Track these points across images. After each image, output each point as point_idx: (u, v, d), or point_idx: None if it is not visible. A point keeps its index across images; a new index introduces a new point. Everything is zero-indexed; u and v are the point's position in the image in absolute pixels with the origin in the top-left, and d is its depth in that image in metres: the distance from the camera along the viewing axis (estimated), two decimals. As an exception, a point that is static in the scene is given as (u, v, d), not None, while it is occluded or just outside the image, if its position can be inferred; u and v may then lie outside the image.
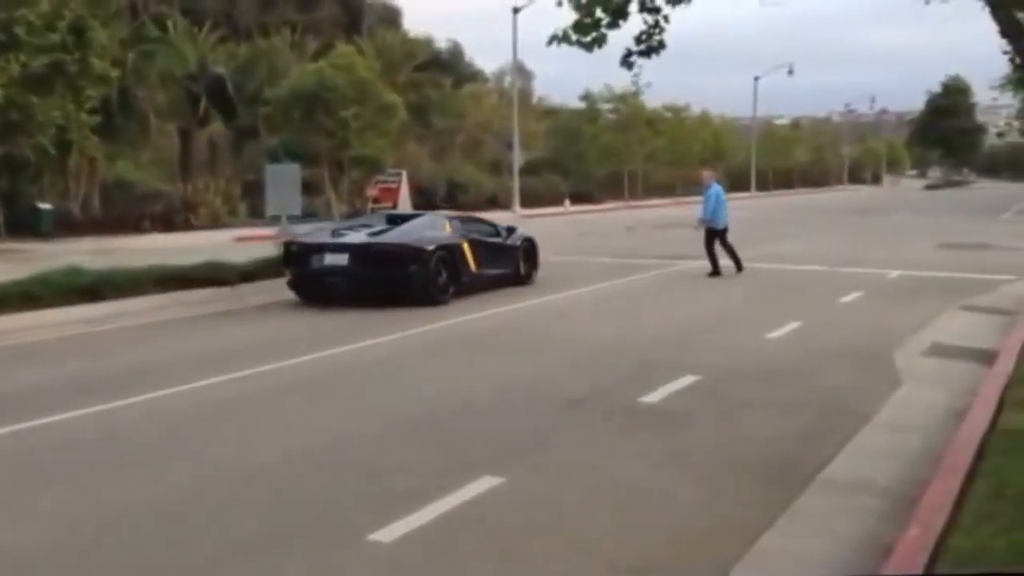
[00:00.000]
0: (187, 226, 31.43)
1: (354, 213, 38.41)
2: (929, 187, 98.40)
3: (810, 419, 7.79)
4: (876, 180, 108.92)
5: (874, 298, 14.93)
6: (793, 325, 12.21)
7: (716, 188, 18.66)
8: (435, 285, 14.37)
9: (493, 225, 17.26)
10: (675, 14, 6.76)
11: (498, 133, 52.16)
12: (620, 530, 5.49)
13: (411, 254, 14.29)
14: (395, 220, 16.25)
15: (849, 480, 6.33)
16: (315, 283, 14.64)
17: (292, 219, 17.82)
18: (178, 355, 10.65)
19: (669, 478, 6.36)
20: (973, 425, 7.03)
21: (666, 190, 64.46)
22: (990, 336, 11.18)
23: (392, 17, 57.51)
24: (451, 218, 16.76)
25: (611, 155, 57.00)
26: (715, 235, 18.14)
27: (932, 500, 5.52)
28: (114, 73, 27.15)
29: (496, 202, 47.96)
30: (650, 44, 6.71)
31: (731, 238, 18.48)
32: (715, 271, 17.79)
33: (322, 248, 14.67)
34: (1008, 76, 40.56)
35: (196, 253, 16.89)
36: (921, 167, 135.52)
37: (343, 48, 37.31)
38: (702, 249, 18.24)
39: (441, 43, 60.54)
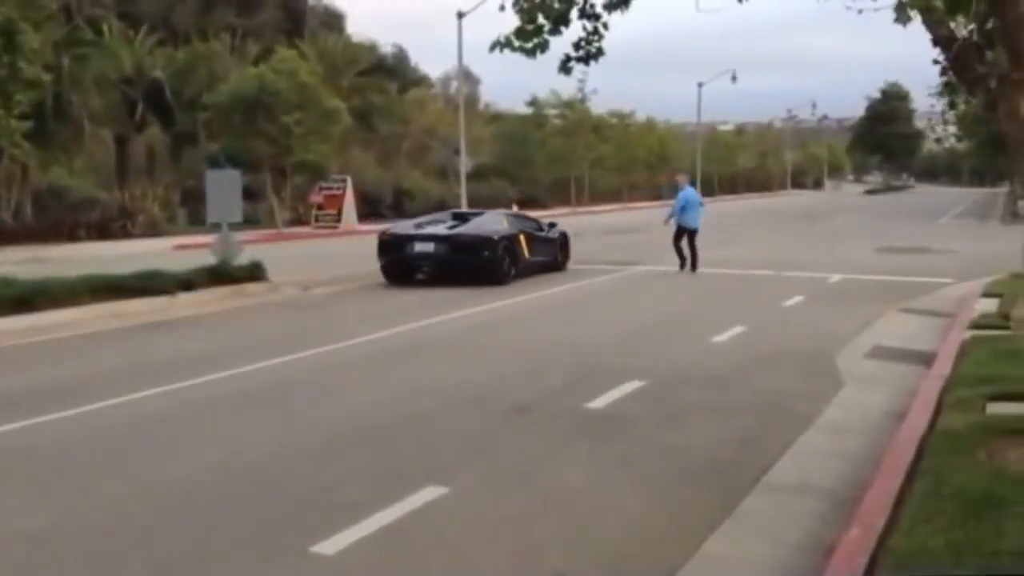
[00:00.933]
0: (124, 234, 30.92)
1: (297, 220, 38.16)
2: (869, 192, 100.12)
3: (754, 422, 7.84)
4: (817, 185, 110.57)
5: (816, 302, 15.11)
6: (738, 329, 12.31)
7: (687, 191, 20.11)
8: (502, 268, 17.66)
9: (537, 221, 20.57)
10: (618, 21, 6.79)
11: (444, 139, 52.07)
12: (566, 537, 5.47)
13: (484, 243, 17.69)
14: (463, 217, 19.71)
15: (792, 482, 6.37)
16: (407, 267, 17.97)
17: (233, 226, 17.58)
18: (111, 368, 10.41)
19: (614, 484, 6.36)
20: (912, 426, 7.12)
21: (613, 195, 64.84)
22: (929, 338, 11.36)
23: (335, 21, 57.13)
24: (507, 215, 20.35)
25: (558, 160, 57.19)
26: (684, 233, 19.61)
27: (872, 501, 5.57)
28: (46, 78, 26.57)
29: (443, 208, 47.83)
30: (588, 51, 6.72)
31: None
32: (683, 265, 19.39)
33: (412, 239, 18.06)
34: (943, 82, 41.35)
35: (133, 262, 16.62)
36: (859, 172, 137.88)
37: (285, 52, 36.98)
38: (648, 254, 18.77)
39: (386, 48, 60.32)
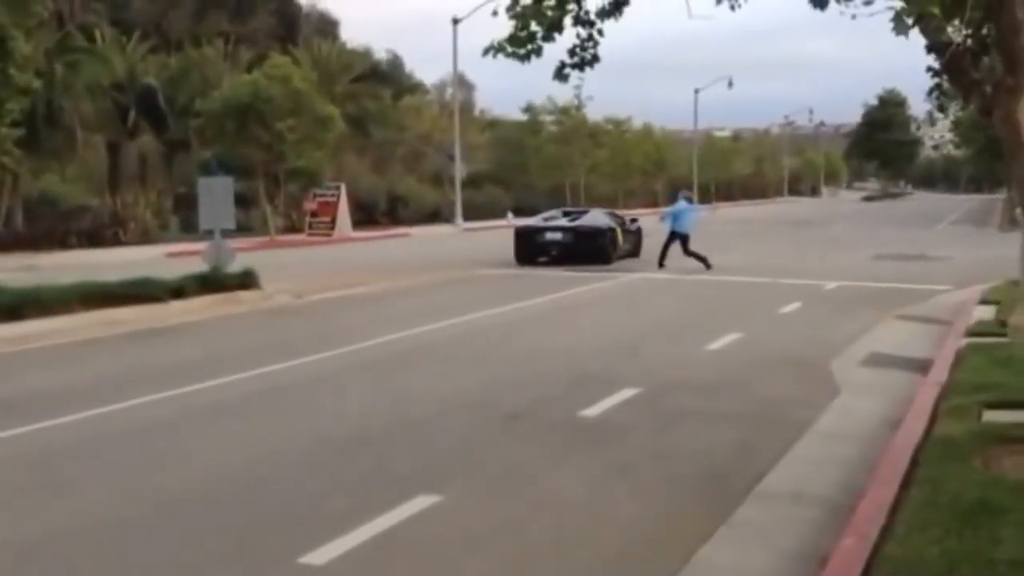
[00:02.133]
0: (116, 241, 30.84)
1: (291, 227, 38.09)
2: (867, 199, 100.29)
3: (749, 430, 7.79)
4: (814, 192, 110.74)
5: (813, 309, 15.08)
6: (733, 336, 12.26)
7: (680, 204, 23.07)
8: (608, 252, 23.02)
9: (623, 218, 25.71)
10: (613, 28, 6.75)
11: (439, 145, 52.09)
12: (559, 546, 5.42)
13: (598, 232, 23.44)
14: (570, 214, 25.63)
15: (787, 490, 6.33)
16: (540, 250, 23.56)
17: (225, 233, 17.53)
18: (101, 376, 10.34)
19: (608, 492, 6.31)
20: (908, 434, 7.07)
21: (609, 202, 64.79)
22: (925, 345, 11.33)
23: (329, 28, 57.13)
24: (605, 212, 26.61)
25: (554, 167, 57.17)
26: (676, 237, 22.24)
27: (867, 510, 5.52)
28: (38, 84, 26.46)
29: (438, 215, 47.82)
30: (583, 57, 6.68)
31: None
32: (705, 264, 21.44)
33: (543, 230, 24.11)
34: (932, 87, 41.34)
35: (125, 269, 16.55)
36: (856, 179, 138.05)
37: (278, 59, 36.89)
38: (643, 261, 20.42)
39: (380, 54, 60.37)
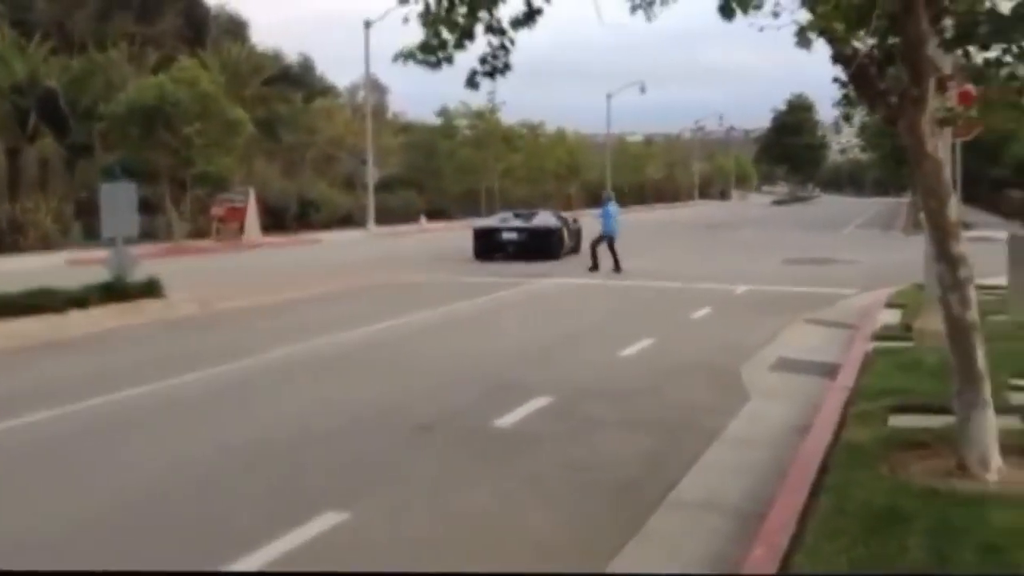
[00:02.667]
0: (15, 248, 29.74)
1: (198, 233, 37.30)
2: (776, 202, 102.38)
3: (661, 438, 7.79)
4: (724, 196, 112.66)
5: (723, 313, 15.25)
6: (646, 342, 12.31)
7: (610, 205, 24.04)
8: (558, 249, 26.24)
9: (566, 219, 28.93)
10: (526, 33, 6.69)
11: (352, 149, 51.55)
12: (471, 562, 5.32)
13: (550, 232, 26.74)
14: (521, 215, 28.62)
15: (699, 499, 6.33)
16: (498, 248, 26.45)
17: (129, 241, 17.02)
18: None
19: (521, 503, 6.23)
20: (816, 440, 7.14)
21: (524, 206, 64.96)
22: (833, 350, 11.51)
23: (238, 30, 56.02)
24: (553, 214, 29.71)
25: (468, 171, 57.10)
26: (603, 239, 23.15)
27: (777, 518, 5.53)
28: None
29: (351, 220, 47.32)
30: (495, 66, 6.59)
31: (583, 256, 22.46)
32: (594, 268, 22.49)
33: (500, 230, 27.27)
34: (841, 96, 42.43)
35: (24, 278, 15.94)
36: (762, 183, 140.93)
37: (185, 61, 36.15)
38: (558, 266, 21.54)
39: (291, 57, 59.45)
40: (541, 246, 26.34)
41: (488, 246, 26.87)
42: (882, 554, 4.68)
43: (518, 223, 27.62)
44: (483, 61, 6.56)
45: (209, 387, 10.03)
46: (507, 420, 8.27)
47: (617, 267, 22.36)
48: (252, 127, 37.41)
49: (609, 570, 5.20)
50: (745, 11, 5.31)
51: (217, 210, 37.41)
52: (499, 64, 6.57)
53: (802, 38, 5.15)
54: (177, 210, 35.89)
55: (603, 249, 22.99)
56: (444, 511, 6.11)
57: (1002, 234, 19.59)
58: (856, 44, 5.72)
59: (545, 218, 28.20)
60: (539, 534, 5.72)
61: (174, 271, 19.66)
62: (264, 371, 10.89)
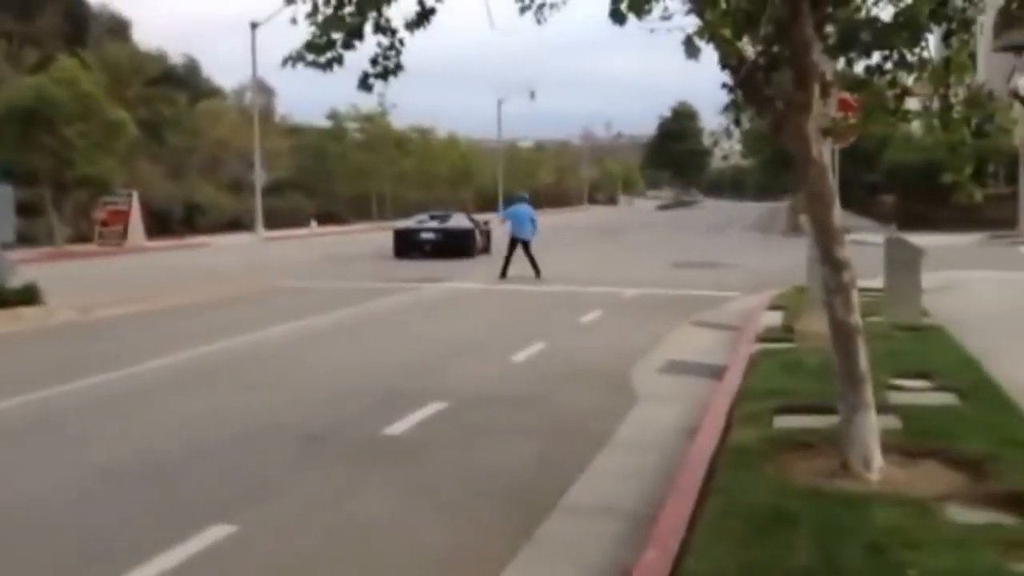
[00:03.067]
0: None
1: (80, 237, 36.05)
2: (661, 207, 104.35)
3: (552, 442, 7.79)
4: (612, 201, 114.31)
5: (613, 317, 15.40)
6: (537, 346, 12.33)
7: (517, 207, 23.44)
8: (473, 249, 28.64)
9: (478, 221, 31.21)
10: (418, 37, 6.60)
11: (239, 152, 50.51)
12: (362, 573, 5.22)
13: (465, 232, 29.38)
14: (438, 217, 30.89)
15: (590, 503, 6.35)
16: (416, 247, 28.82)
17: (5, 246, 16.34)
18: None
19: (413, 513, 6.13)
20: (703, 443, 7.23)
21: (417, 211, 64.69)
22: (719, 352, 11.71)
23: (121, 29, 54.28)
24: (466, 216, 32.15)
25: (359, 175, 56.61)
26: (516, 243, 22.48)
27: (667, 521, 5.58)
28: None
29: (238, 224, 46.39)
30: (386, 66, 6.48)
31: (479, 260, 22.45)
32: (504, 275, 21.76)
33: (419, 231, 29.72)
34: (731, 102, 43.57)
35: None
36: (648, 188, 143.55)
37: (65, 61, 34.91)
38: (452, 271, 21.29)
39: (176, 57, 57.94)
40: (456, 246, 28.71)
41: (408, 245, 29.30)
42: (771, 555, 4.75)
43: (435, 224, 30.08)
44: (374, 62, 6.45)
45: (88, 398, 9.64)
46: (398, 428, 8.15)
47: (536, 272, 21.80)
48: (135, 129, 36.40)
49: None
50: (639, 16, 5.32)
51: (99, 213, 36.29)
52: (390, 65, 6.47)
53: (690, 47, 5.20)
54: (58, 213, 34.64)
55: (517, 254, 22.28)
56: (333, 521, 5.98)
57: (877, 238, 20.34)
58: (745, 50, 5.80)
59: (459, 220, 30.80)
60: (430, 543, 5.65)
61: (54, 277, 18.96)
62: (146, 381, 10.52)
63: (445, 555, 5.47)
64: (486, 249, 29.65)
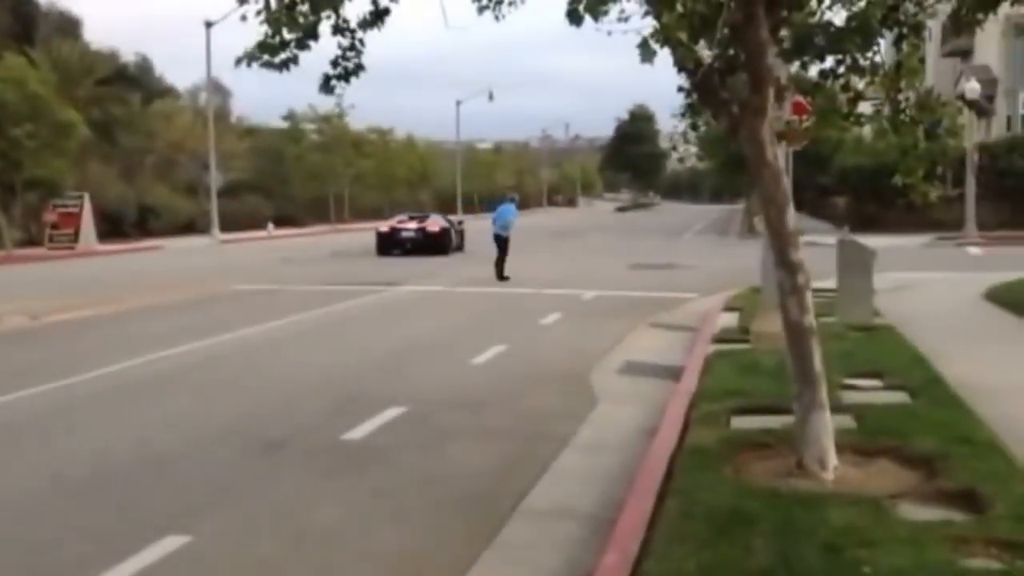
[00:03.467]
0: None
1: (30, 241, 35.51)
2: (619, 209, 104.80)
3: (513, 446, 7.78)
4: (571, 203, 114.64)
5: (572, 319, 15.44)
6: (497, 349, 12.33)
7: (503, 206, 24.30)
8: (449, 246, 31.08)
9: (453, 221, 34.36)
10: (373, 37, 6.56)
11: (193, 153, 49.98)
12: (319, 582, 5.17)
13: (442, 232, 31.59)
14: (416, 218, 33.63)
15: (551, 507, 6.35)
16: (397, 245, 31.21)
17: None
18: None
19: (372, 520, 6.10)
20: (662, 443, 7.27)
21: (375, 213, 64.34)
22: (677, 353, 11.78)
23: (70, 27, 53.37)
24: (442, 216, 35.19)
25: (316, 177, 56.19)
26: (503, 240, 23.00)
27: (627, 524, 5.60)
28: None
29: (193, 227, 45.91)
30: (347, 67, 6.43)
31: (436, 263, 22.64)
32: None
33: (400, 231, 31.92)
34: (685, 105, 43.98)
35: None
36: (606, 190, 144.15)
37: (13, 59, 34.32)
38: (411, 274, 21.58)
39: (128, 56, 57.10)
40: (434, 244, 31.21)
41: (389, 244, 31.63)
42: (729, 556, 4.78)
43: (414, 225, 32.47)
44: (334, 64, 6.40)
45: (39, 406, 9.48)
46: (357, 434, 8.11)
47: (501, 273, 22.26)
48: (86, 129, 35.86)
49: (463, 583, 5.14)
50: (596, 18, 5.33)
51: (50, 216, 35.78)
52: (350, 66, 6.42)
53: (645, 51, 5.22)
54: (6, 216, 34.06)
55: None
56: (291, 530, 5.93)
57: (829, 239, 20.60)
58: (702, 53, 5.84)
59: (436, 220, 33.43)
60: (390, 550, 5.62)
61: (3, 281, 18.62)
62: (99, 388, 10.36)
63: (405, 562, 5.45)
64: (460, 247, 32.27)
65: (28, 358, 12.48)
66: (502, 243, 22.80)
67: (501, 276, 22.01)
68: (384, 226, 33.33)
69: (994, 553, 4.76)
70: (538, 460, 7.28)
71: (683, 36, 5.36)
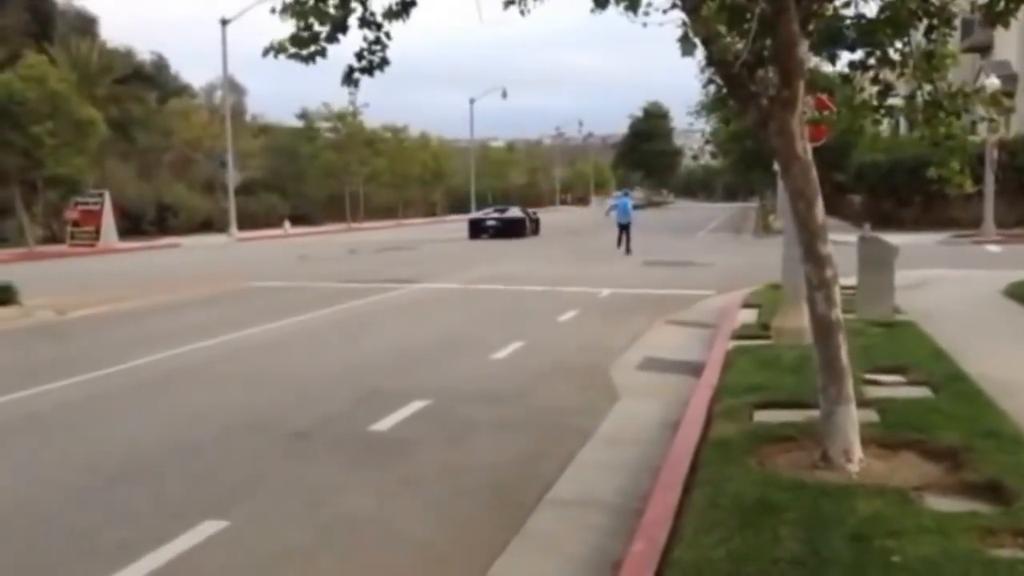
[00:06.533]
0: None
1: (52, 238, 35.76)
2: (632, 207, 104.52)
3: (536, 438, 7.86)
4: (580, 201, 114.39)
5: (589, 315, 15.49)
6: (516, 345, 12.40)
7: (622, 199, 33.40)
8: (525, 231, 41.56)
9: (528, 212, 44.23)
10: (404, 32, 6.61)
11: (210, 151, 50.20)
12: (353, 567, 5.28)
13: (519, 220, 42.61)
14: (501, 209, 44.98)
15: (576, 497, 6.42)
16: (484, 231, 41.24)
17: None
18: None
19: (400, 509, 6.19)
20: (686, 437, 7.33)
21: (389, 212, 64.49)
22: (696, 349, 11.83)
23: (87, 26, 53.70)
24: (519, 208, 45.65)
25: (331, 175, 56.33)
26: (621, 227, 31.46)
27: (654, 514, 5.66)
28: None
29: (211, 225, 46.12)
30: (372, 61, 6.48)
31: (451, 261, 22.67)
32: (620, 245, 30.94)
33: (486, 219, 43.06)
34: (702, 103, 43.91)
35: None
36: (623, 188, 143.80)
37: (33, 58, 34.53)
38: (426, 272, 21.42)
39: (144, 55, 57.42)
40: (511, 229, 41.54)
41: (478, 229, 42.09)
42: (758, 545, 4.84)
43: (496, 215, 43.82)
44: (359, 57, 6.44)
45: (70, 398, 9.61)
46: (383, 425, 8.21)
47: (628, 249, 30.13)
48: (105, 127, 36.03)
49: (493, 570, 5.21)
50: (635, 9, 5.34)
51: (71, 214, 36.03)
52: (376, 59, 6.47)
53: (686, 45, 5.25)
54: (29, 214, 34.30)
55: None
56: (323, 517, 6.03)
57: (847, 237, 20.56)
58: (736, 46, 5.85)
59: (514, 211, 44.69)
60: (419, 537, 5.70)
61: (29, 277, 18.83)
62: (127, 381, 10.50)
63: (434, 551, 5.52)
64: (536, 232, 43.28)
65: (56, 351, 12.63)
66: (626, 228, 31.20)
67: (628, 251, 29.86)
68: (474, 216, 46.17)
69: (1022, 543, 4.81)
70: (562, 452, 7.36)
71: (722, 28, 5.39)
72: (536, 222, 43.77)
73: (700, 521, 5.24)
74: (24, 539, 5.70)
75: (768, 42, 5.78)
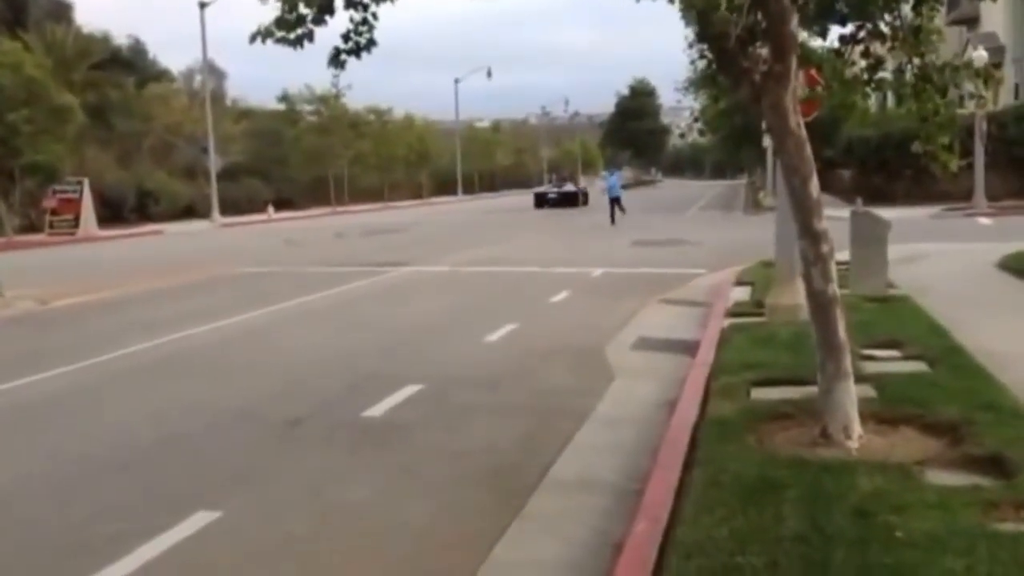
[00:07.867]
0: None
1: (31, 227, 35.46)
2: (622, 187, 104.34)
3: (532, 421, 7.80)
4: (564, 181, 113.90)
5: (582, 296, 15.43)
6: (509, 327, 12.32)
7: (612, 177, 40.51)
8: (579, 202, 53.92)
9: (581, 187, 59.81)
10: (385, 11, 6.48)
11: (191, 136, 49.82)
12: (351, 555, 5.21)
13: (574, 193, 55.40)
14: (558, 184, 60.39)
15: (575, 479, 6.37)
16: (547, 202, 53.36)
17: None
18: None
19: (398, 495, 6.13)
20: (683, 416, 7.28)
21: (374, 195, 64.20)
22: (690, 328, 11.78)
23: (62, 11, 52.95)
24: (573, 182, 63.32)
25: (314, 159, 56.02)
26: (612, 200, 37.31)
27: (654, 494, 5.62)
28: None
29: (193, 211, 45.82)
30: (359, 42, 6.36)
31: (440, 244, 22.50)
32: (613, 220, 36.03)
33: (548, 193, 55.76)
34: (690, 79, 43.68)
35: None
36: (611, 167, 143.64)
37: (8, 44, 34.14)
38: (414, 255, 21.24)
39: (121, 39, 56.75)
40: (569, 199, 52.62)
41: (542, 200, 52.58)
42: (760, 522, 4.80)
43: (556, 189, 55.84)
44: (346, 38, 6.32)
45: (55, 389, 9.50)
46: (377, 411, 8.13)
47: (612, 218, 35.61)
48: (82, 114, 35.69)
49: (494, 554, 5.15)
50: None
51: (49, 202, 35.70)
52: (363, 40, 6.35)
53: (689, 13, 5.14)
54: (6, 202, 34.00)
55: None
56: (320, 505, 5.96)
57: (838, 212, 20.53)
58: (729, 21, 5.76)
59: (570, 185, 57.16)
60: (418, 522, 5.65)
61: (7, 267, 18.63)
62: (114, 370, 10.39)
63: (433, 534, 5.47)
64: (586, 203, 52.97)
65: (40, 342, 12.50)
66: (616, 200, 36.90)
67: (612, 221, 34.78)
68: (538, 190, 57.33)
69: (1025, 516, 4.78)
70: (559, 434, 7.30)
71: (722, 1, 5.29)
72: (586, 195, 55.16)
73: (701, 500, 5.19)
74: (15, 533, 5.62)
75: (759, 16, 5.70)
